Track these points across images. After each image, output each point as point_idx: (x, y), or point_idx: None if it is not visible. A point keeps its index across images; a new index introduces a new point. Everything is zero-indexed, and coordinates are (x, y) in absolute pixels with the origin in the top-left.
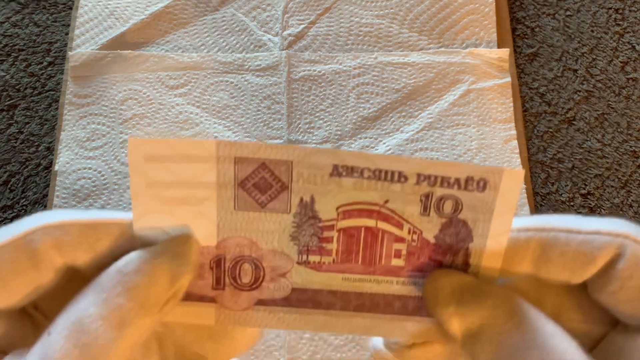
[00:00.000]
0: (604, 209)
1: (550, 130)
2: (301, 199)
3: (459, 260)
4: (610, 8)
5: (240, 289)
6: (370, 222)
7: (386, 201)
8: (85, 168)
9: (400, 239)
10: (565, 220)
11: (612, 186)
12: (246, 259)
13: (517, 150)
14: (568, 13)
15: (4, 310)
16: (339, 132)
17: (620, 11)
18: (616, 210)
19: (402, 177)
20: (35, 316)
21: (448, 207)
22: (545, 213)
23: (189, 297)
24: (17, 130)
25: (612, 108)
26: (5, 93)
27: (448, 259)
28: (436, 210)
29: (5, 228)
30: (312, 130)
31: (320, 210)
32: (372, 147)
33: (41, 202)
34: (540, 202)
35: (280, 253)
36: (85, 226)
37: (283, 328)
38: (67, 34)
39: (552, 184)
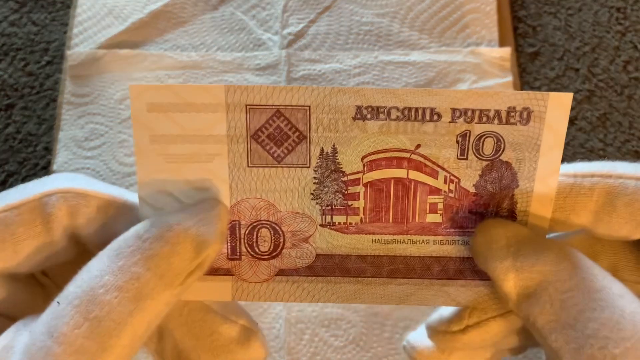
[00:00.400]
0: None
1: None
2: (322, 150)
3: (504, 210)
4: (612, 7)
5: (258, 258)
6: (400, 173)
7: (417, 146)
8: (83, 168)
9: (436, 191)
10: (633, 167)
11: None
12: (264, 223)
13: None
14: (570, 12)
15: (12, 273)
16: None
17: (622, 10)
18: None
19: (434, 115)
20: (46, 284)
21: (489, 147)
22: None
23: None
24: (15, 130)
25: (614, 108)
26: (2, 92)
27: (491, 210)
28: (475, 152)
29: (23, 186)
30: None
31: (343, 162)
32: None
33: None
34: None
35: (302, 215)
36: (105, 201)
37: (308, 301)
38: (65, 33)
39: None
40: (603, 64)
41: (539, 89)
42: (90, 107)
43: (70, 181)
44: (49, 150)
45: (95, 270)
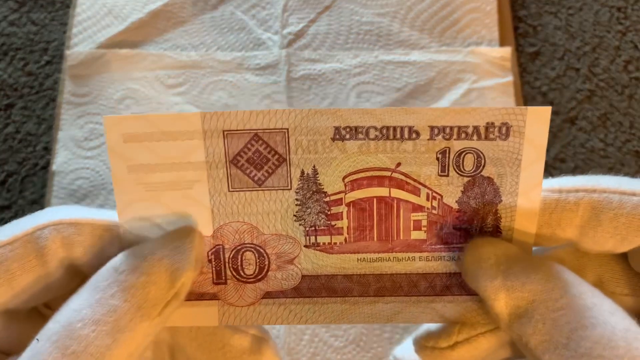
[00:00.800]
0: None
1: (553, 129)
2: (302, 172)
3: (488, 226)
4: (613, 7)
5: (244, 282)
6: (382, 191)
7: (398, 164)
8: (83, 168)
9: (419, 208)
10: (617, 181)
11: None
12: (247, 246)
13: None
14: (570, 12)
15: (10, 309)
16: None
17: (623, 10)
18: None
19: (413, 133)
20: (49, 316)
21: (469, 163)
22: None
23: (188, 296)
24: (14, 130)
25: (615, 107)
26: (2, 92)
27: (475, 226)
28: (456, 169)
29: (16, 222)
30: None
31: (324, 183)
32: None
33: (39, 202)
34: None
35: (285, 236)
36: (99, 227)
37: (296, 322)
38: (64, 32)
39: None
40: (604, 64)
41: (539, 88)
42: (89, 106)
43: (62, 212)
44: (48, 150)
45: (74, 305)
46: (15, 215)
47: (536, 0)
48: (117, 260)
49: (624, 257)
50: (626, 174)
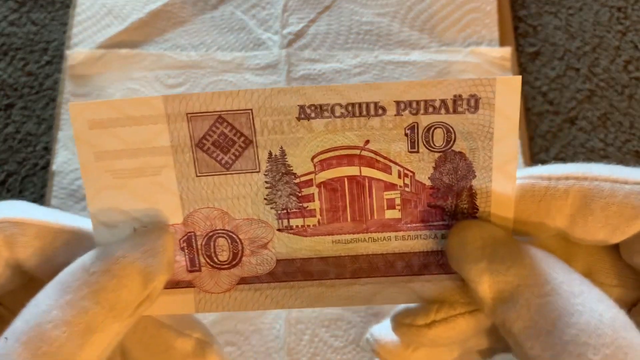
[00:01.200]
0: None
1: (553, 129)
2: (270, 154)
3: (464, 203)
4: (613, 7)
5: (218, 268)
6: (352, 170)
7: (366, 142)
8: None
9: (391, 186)
10: (609, 169)
11: None
12: (219, 232)
13: (520, 150)
14: (570, 12)
15: None
16: None
17: (623, 10)
18: None
19: (379, 109)
20: (2, 313)
21: (439, 138)
22: None
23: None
24: (14, 130)
25: (615, 107)
26: (2, 92)
27: (450, 203)
28: (426, 144)
29: None
30: None
31: (293, 164)
32: None
33: (38, 202)
34: None
35: (257, 221)
36: (43, 228)
37: (273, 307)
38: (64, 32)
39: None
40: (604, 64)
41: (539, 88)
42: None
43: (7, 210)
44: (48, 150)
45: (43, 305)
46: None
47: (536, 0)
48: (88, 260)
49: (614, 247)
50: None
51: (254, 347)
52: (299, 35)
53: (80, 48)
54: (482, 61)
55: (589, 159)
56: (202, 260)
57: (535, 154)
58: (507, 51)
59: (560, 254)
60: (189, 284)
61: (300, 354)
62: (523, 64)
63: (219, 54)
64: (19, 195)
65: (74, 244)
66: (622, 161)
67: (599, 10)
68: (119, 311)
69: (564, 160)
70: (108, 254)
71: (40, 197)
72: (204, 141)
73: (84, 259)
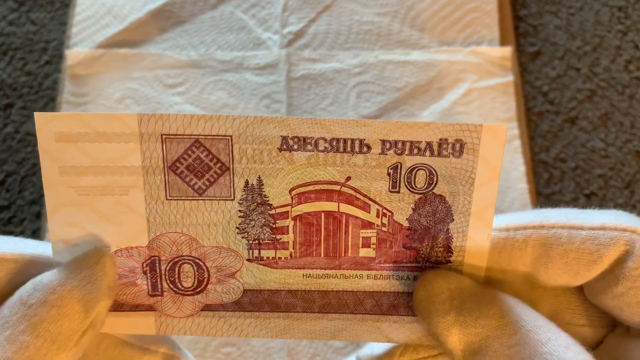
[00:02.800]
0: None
1: (553, 129)
2: (246, 182)
3: (439, 246)
4: (614, 6)
5: (182, 294)
6: (331, 206)
7: (348, 178)
8: None
9: (368, 224)
10: (565, 215)
11: (615, 186)
12: (186, 259)
13: (520, 150)
14: (571, 11)
15: None
16: None
17: (624, 9)
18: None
19: (364, 146)
20: None
21: (421, 179)
22: None
23: (122, 307)
24: (13, 130)
25: (616, 107)
26: (1, 92)
27: (426, 245)
28: (407, 185)
29: None
30: None
31: (270, 195)
32: None
33: (38, 203)
34: (543, 202)
35: (227, 249)
36: (5, 261)
37: (236, 335)
38: (64, 32)
39: (555, 184)
40: (604, 64)
41: (540, 88)
42: (89, 106)
43: None
44: None
45: None
46: (15, 216)
47: (537, 0)
48: (25, 292)
49: (580, 287)
50: (627, 174)
51: (254, 348)
52: (299, 34)
53: (79, 48)
54: (482, 61)
55: (589, 158)
56: (165, 285)
57: (535, 154)
58: (507, 51)
59: (527, 296)
60: (149, 308)
61: (300, 354)
62: (523, 64)
63: (218, 53)
64: (18, 195)
65: (15, 273)
66: (623, 161)
67: (599, 9)
68: (62, 342)
69: (564, 160)
70: (45, 283)
71: (39, 197)
72: (178, 164)
73: (22, 291)
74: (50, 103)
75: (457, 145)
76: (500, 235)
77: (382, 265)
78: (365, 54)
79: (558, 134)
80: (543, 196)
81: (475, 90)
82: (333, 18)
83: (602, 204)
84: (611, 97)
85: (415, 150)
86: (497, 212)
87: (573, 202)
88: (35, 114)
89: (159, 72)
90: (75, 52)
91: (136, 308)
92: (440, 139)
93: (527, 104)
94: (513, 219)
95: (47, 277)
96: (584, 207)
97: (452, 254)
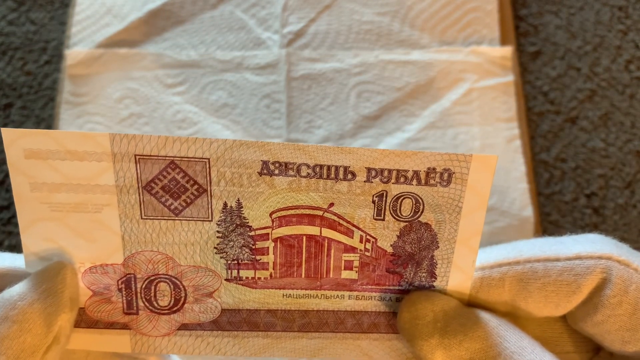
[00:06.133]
0: (607, 209)
1: (554, 129)
2: (225, 204)
3: (423, 271)
4: (614, 6)
5: (158, 313)
6: (313, 230)
7: (331, 204)
8: None
9: (351, 249)
10: (539, 247)
11: (616, 186)
12: (162, 277)
13: (521, 150)
14: (571, 11)
15: None
16: (339, 131)
17: (624, 9)
18: (620, 211)
19: (348, 174)
20: None
21: (407, 208)
22: (549, 214)
23: (97, 324)
24: None
25: (616, 107)
26: (1, 92)
27: (410, 271)
28: (393, 213)
29: None
30: (312, 129)
31: (250, 217)
32: (373, 147)
33: None
34: (543, 202)
35: (204, 269)
36: None
37: (214, 354)
38: (63, 32)
39: (556, 184)
40: (605, 63)
41: (540, 88)
42: (89, 106)
43: None
44: None
45: None
46: (14, 216)
47: (537, 0)
48: None
49: (562, 315)
50: (627, 174)
51: None
52: (299, 34)
53: (79, 47)
54: (482, 60)
55: (589, 158)
56: (141, 303)
57: (536, 154)
58: (508, 50)
59: (511, 322)
60: (124, 326)
61: None
62: (524, 64)
63: (218, 53)
64: None
65: None
66: (623, 161)
67: (600, 9)
68: (25, 359)
69: (564, 160)
70: (6, 299)
71: None
72: (153, 184)
73: None
74: (49, 103)
75: (445, 175)
76: (476, 274)
77: (364, 287)
78: (366, 53)
79: (558, 134)
80: (543, 196)
81: (476, 90)
82: (333, 18)
83: (603, 204)
84: (612, 97)
85: (402, 179)
86: (497, 211)
87: (573, 202)
88: (2, 130)
89: (159, 71)
90: (75, 52)
91: (111, 326)
92: (428, 168)
93: (528, 104)
94: (486, 257)
95: (8, 292)
96: (584, 207)
97: (436, 279)
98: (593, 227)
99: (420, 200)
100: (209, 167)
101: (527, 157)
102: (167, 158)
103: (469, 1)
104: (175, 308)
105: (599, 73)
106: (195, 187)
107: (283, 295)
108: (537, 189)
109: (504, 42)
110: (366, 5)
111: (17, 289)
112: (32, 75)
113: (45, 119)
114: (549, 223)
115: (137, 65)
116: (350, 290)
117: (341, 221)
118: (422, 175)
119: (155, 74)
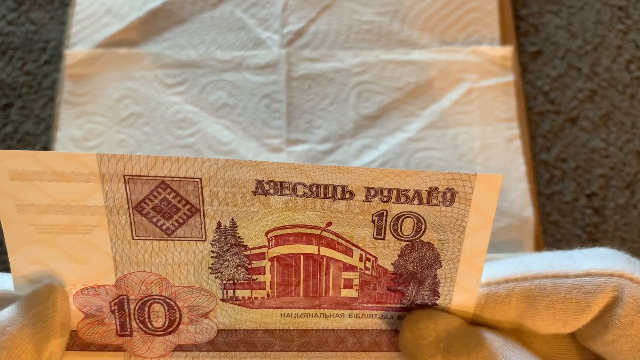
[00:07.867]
0: (608, 210)
1: (554, 129)
2: (219, 224)
3: (426, 289)
4: (614, 6)
5: (152, 334)
6: (310, 249)
7: (329, 223)
8: None
9: (351, 267)
10: (548, 262)
11: (616, 186)
12: (156, 298)
13: (521, 150)
14: (572, 11)
15: None
16: (339, 131)
17: (624, 9)
18: (620, 211)
19: (346, 193)
20: None
21: (408, 227)
22: (549, 214)
23: (90, 347)
24: (12, 130)
25: (616, 107)
26: (1, 92)
27: (412, 289)
28: (393, 232)
29: None
30: (312, 129)
31: (245, 237)
32: (373, 147)
33: None
34: (544, 202)
35: (199, 289)
36: None
37: None
38: (63, 32)
39: (556, 184)
40: (605, 63)
41: (540, 88)
42: (88, 106)
43: None
44: (47, 149)
45: None
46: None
47: None
48: None
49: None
50: (628, 174)
51: None
52: (299, 34)
53: (79, 47)
54: (483, 60)
55: (590, 158)
56: (135, 325)
57: (536, 154)
58: (508, 50)
59: (518, 340)
60: (118, 348)
61: None
62: (524, 63)
63: (218, 53)
64: None
65: None
66: (624, 161)
67: (600, 9)
68: None
69: (565, 159)
70: None
71: None
72: (144, 205)
73: None
74: (49, 103)
75: (448, 194)
76: (481, 291)
77: (364, 305)
78: (366, 53)
79: (559, 134)
80: (544, 196)
81: (476, 90)
82: (333, 17)
83: (603, 204)
84: (612, 96)
85: (403, 198)
86: (497, 211)
87: (574, 202)
88: None
89: (159, 71)
90: (75, 52)
91: (104, 348)
92: (430, 188)
93: (528, 104)
94: (492, 272)
95: None
96: (584, 207)
97: (439, 297)
98: (593, 227)
99: (422, 219)
100: (201, 187)
101: (528, 157)
102: (157, 178)
103: (469, 1)
104: (170, 329)
105: (600, 73)
106: (188, 207)
107: (281, 314)
108: (538, 189)
109: (504, 42)
110: (366, 5)
111: (5, 314)
112: (31, 75)
113: (45, 119)
114: (549, 223)
115: (136, 65)
116: (351, 309)
117: (340, 240)
118: (424, 195)
119: (155, 74)
